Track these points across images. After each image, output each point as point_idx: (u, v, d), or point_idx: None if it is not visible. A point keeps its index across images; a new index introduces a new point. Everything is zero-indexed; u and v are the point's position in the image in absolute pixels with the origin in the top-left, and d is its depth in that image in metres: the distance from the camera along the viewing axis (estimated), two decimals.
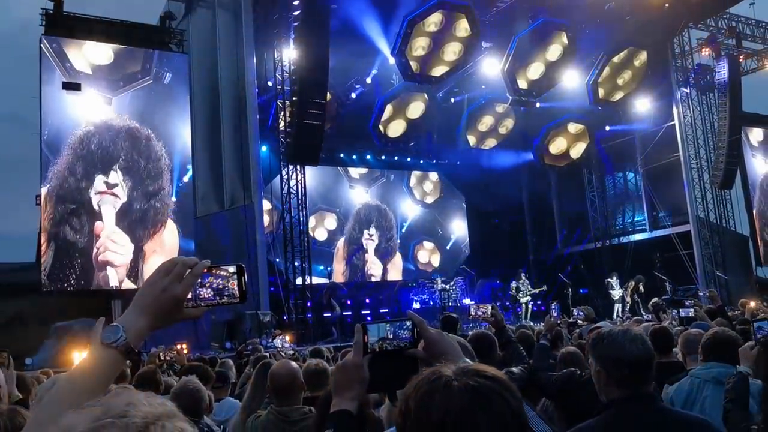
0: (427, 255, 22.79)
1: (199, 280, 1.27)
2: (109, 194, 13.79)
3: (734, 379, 2.86)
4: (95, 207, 13.68)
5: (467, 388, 1.01)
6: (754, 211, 20.95)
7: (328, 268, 19.47)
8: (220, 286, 1.29)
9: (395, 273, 21.59)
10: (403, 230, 22.24)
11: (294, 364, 3.56)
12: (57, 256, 13.21)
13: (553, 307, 16.17)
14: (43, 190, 13.18)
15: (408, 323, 1.43)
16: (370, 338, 1.42)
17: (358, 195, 21.39)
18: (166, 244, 14.06)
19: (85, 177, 13.69)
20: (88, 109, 13.78)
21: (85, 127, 13.88)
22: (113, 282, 13.37)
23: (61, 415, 0.88)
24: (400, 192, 22.43)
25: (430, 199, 23.14)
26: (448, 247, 23.06)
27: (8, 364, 4.09)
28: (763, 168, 21.80)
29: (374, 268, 21.28)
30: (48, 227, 13.27)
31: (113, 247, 13.64)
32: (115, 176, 14.01)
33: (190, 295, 1.27)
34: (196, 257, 1.32)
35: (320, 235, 20.06)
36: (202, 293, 1.28)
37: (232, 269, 1.30)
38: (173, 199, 14.31)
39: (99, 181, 13.80)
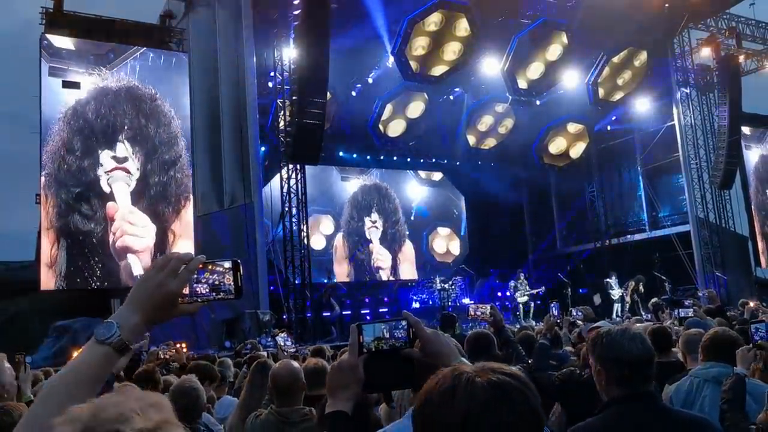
0: (444, 243, 21.07)
1: (195, 276, 1.27)
2: (120, 170, 12.18)
3: (731, 380, 2.86)
4: (105, 188, 12.05)
5: (490, 383, 1.02)
6: (752, 202, 20.94)
7: (333, 280, 18.35)
8: (216, 282, 1.29)
9: (408, 267, 19.94)
10: (412, 218, 20.66)
11: (296, 364, 3.55)
12: (71, 256, 11.62)
13: (552, 306, 16.16)
14: (42, 180, 11.88)
15: (403, 323, 1.43)
16: (365, 338, 1.42)
17: (353, 186, 20.11)
18: (192, 226, 12.72)
19: (86, 154, 11.96)
20: (82, 93, 12.36)
21: (76, 96, 12.19)
22: (137, 271, 11.95)
23: (52, 414, 0.87)
24: (402, 173, 20.94)
25: (438, 176, 21.96)
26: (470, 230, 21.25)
27: (25, 367, 4.13)
28: (756, 156, 21.82)
29: (382, 259, 19.54)
30: (54, 222, 11.64)
31: (131, 229, 12.07)
32: (124, 148, 12.23)
33: (185, 291, 1.26)
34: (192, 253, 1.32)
35: (317, 243, 17.66)
36: (197, 289, 1.28)
37: (227, 264, 1.30)
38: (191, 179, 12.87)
39: (105, 157, 12.11)
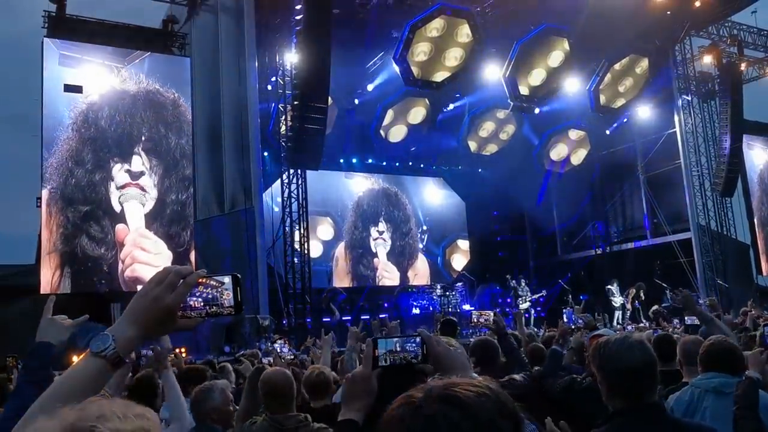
0: (464, 258, 19.60)
1: (194, 290, 1.24)
2: (134, 186, 10.74)
3: (744, 384, 2.79)
4: (116, 206, 10.56)
5: (424, 417, 0.97)
6: (756, 214, 20.89)
7: (332, 284, 17.44)
8: (215, 297, 1.26)
9: (420, 283, 18.31)
10: (424, 227, 19.13)
11: (287, 371, 3.53)
12: (77, 286, 10.05)
13: (565, 312, 16.16)
14: (44, 194, 10.49)
15: (417, 339, 1.50)
16: (378, 351, 1.48)
17: (357, 185, 18.94)
18: None
19: (97, 167, 10.49)
20: (94, 96, 10.90)
21: (88, 97, 10.72)
22: None
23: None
24: (412, 176, 19.67)
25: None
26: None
27: (17, 369, 4.12)
28: (761, 161, 21.74)
29: (389, 276, 17.87)
30: (58, 245, 10.07)
31: (143, 256, 10.57)
32: (140, 162, 10.74)
33: (184, 305, 1.24)
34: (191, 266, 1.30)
35: (313, 250, 15.62)
36: (196, 304, 1.25)
37: (227, 279, 1.27)
38: None
39: (119, 172, 10.70)
